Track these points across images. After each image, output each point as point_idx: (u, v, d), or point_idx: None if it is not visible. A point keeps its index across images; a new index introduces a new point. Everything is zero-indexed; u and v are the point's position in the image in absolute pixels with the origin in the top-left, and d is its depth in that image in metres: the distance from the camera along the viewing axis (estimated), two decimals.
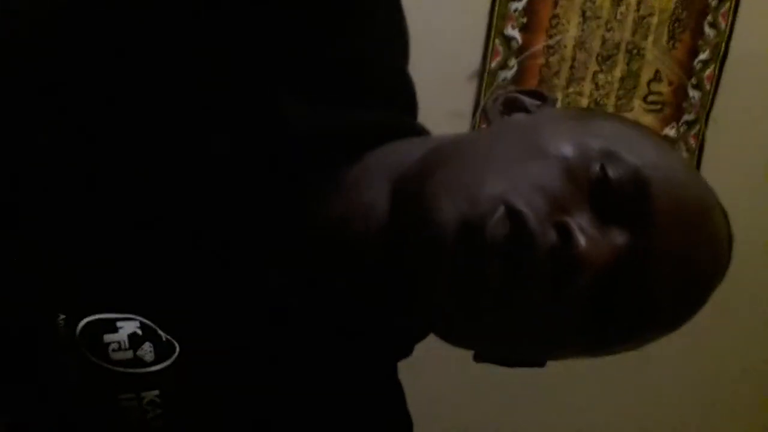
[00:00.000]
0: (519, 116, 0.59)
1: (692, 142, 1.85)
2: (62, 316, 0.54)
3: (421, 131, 0.63)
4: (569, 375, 1.60)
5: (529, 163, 0.51)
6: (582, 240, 0.48)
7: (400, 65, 0.63)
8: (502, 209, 0.48)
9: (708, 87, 1.85)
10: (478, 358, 0.61)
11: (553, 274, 0.48)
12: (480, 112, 0.61)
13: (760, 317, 2.03)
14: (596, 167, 0.51)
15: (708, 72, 1.83)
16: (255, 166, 0.56)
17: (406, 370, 0.67)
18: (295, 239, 0.57)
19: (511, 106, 0.60)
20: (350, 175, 0.57)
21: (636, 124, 0.58)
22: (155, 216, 0.55)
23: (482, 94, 1.68)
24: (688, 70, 1.82)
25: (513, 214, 0.48)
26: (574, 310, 0.50)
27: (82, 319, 0.54)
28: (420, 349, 0.65)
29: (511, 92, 0.61)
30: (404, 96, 0.64)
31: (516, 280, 0.48)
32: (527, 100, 0.60)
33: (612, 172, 0.51)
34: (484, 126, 1.62)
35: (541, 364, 0.61)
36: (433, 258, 0.49)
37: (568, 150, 0.51)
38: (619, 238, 0.50)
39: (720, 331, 1.93)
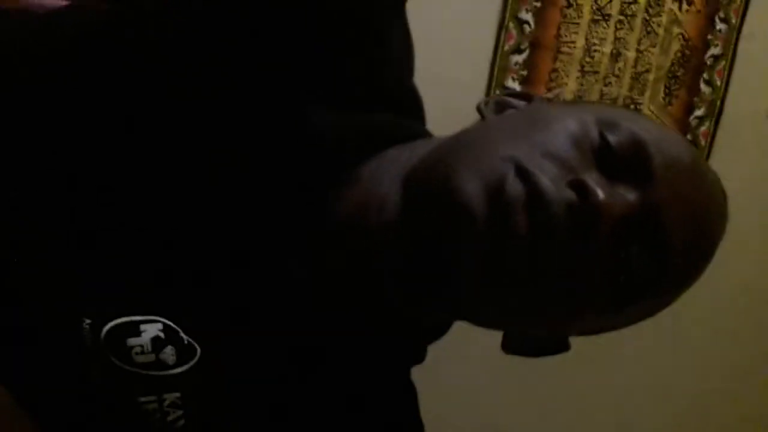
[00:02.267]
0: (511, 111, 0.63)
1: None
2: (87, 321, 0.55)
3: (429, 136, 0.66)
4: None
5: (536, 135, 0.55)
6: (600, 192, 0.51)
7: (410, 81, 0.67)
8: (513, 170, 0.52)
9: (703, 143, 1.88)
10: (505, 347, 0.62)
11: (576, 226, 0.51)
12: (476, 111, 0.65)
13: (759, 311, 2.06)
14: (596, 134, 0.55)
15: (703, 129, 1.87)
16: (278, 166, 0.58)
17: (419, 372, 0.66)
18: (316, 235, 0.58)
19: (502, 107, 0.64)
20: (365, 171, 0.59)
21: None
22: (177, 218, 0.56)
23: None
24: (683, 126, 1.85)
25: (523, 174, 0.52)
26: (596, 264, 0.53)
27: (107, 323, 0.55)
28: (434, 350, 0.65)
29: (500, 95, 0.66)
30: (414, 106, 0.68)
31: (540, 233, 0.51)
32: (516, 102, 0.65)
33: (611, 138, 0.55)
34: None
35: (566, 348, 0.63)
36: (462, 227, 0.51)
37: (569, 122, 0.56)
38: (628, 194, 0.54)
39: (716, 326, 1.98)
